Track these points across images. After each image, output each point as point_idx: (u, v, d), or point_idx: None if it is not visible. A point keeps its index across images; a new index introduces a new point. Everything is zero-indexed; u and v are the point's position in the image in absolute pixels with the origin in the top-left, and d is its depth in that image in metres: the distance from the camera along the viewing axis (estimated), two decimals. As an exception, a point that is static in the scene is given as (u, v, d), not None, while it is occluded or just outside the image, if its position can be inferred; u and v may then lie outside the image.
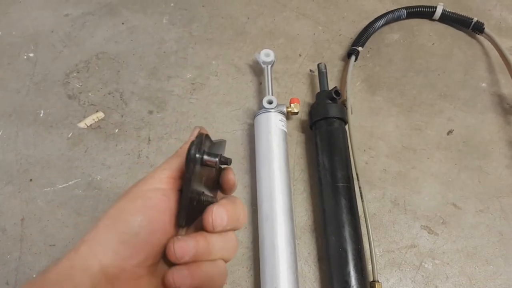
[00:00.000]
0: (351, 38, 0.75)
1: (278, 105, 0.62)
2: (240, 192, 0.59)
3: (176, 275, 0.24)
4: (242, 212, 0.27)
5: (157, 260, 0.24)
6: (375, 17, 0.74)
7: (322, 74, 0.67)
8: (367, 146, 0.65)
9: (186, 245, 0.24)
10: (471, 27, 0.74)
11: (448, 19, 0.76)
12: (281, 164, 0.56)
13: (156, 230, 0.23)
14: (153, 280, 0.24)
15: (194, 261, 0.24)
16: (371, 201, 0.60)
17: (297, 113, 0.63)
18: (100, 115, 0.65)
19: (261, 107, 0.62)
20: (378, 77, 0.71)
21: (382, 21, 0.73)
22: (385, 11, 0.75)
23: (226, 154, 0.29)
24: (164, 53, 0.72)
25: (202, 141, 0.26)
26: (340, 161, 0.58)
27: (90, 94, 0.67)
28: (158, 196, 0.24)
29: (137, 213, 0.23)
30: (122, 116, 0.65)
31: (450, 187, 0.61)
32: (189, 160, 0.24)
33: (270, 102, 0.62)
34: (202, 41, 0.74)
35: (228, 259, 0.27)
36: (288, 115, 0.64)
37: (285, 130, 0.62)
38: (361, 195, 0.58)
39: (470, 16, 0.74)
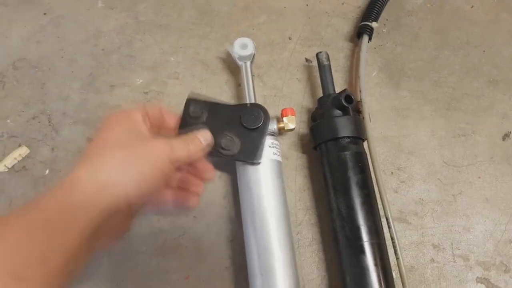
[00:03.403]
0: (359, 7, 0.61)
1: (265, 122, 0.47)
2: (224, 249, 0.47)
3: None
4: None
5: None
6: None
7: (324, 69, 0.50)
8: (395, 166, 0.51)
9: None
10: (526, -23, 0.59)
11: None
12: (276, 206, 0.44)
13: (155, 188, 0.35)
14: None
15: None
16: (406, 248, 0.48)
17: (293, 129, 0.49)
18: (24, 150, 0.53)
19: (241, 128, 0.47)
20: (401, 61, 0.57)
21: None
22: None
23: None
24: (102, 51, 0.58)
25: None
26: (363, 205, 0.42)
27: (8, 121, 0.54)
28: (165, 171, 0.35)
29: (154, 179, 0.34)
30: (53, 149, 0.53)
31: (513, 217, 0.49)
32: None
33: (253, 121, 0.47)
34: (153, 28, 0.59)
35: None
36: (281, 131, 0.49)
37: (279, 159, 0.46)
38: (396, 251, 0.43)
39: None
